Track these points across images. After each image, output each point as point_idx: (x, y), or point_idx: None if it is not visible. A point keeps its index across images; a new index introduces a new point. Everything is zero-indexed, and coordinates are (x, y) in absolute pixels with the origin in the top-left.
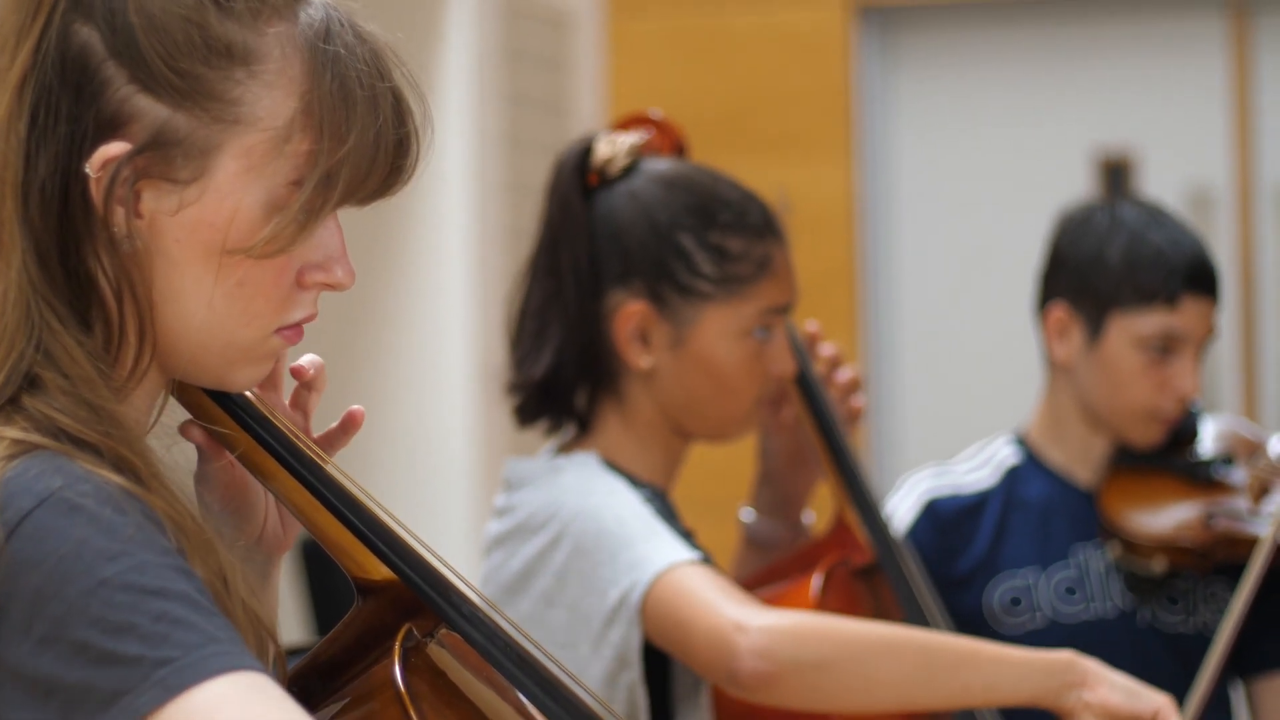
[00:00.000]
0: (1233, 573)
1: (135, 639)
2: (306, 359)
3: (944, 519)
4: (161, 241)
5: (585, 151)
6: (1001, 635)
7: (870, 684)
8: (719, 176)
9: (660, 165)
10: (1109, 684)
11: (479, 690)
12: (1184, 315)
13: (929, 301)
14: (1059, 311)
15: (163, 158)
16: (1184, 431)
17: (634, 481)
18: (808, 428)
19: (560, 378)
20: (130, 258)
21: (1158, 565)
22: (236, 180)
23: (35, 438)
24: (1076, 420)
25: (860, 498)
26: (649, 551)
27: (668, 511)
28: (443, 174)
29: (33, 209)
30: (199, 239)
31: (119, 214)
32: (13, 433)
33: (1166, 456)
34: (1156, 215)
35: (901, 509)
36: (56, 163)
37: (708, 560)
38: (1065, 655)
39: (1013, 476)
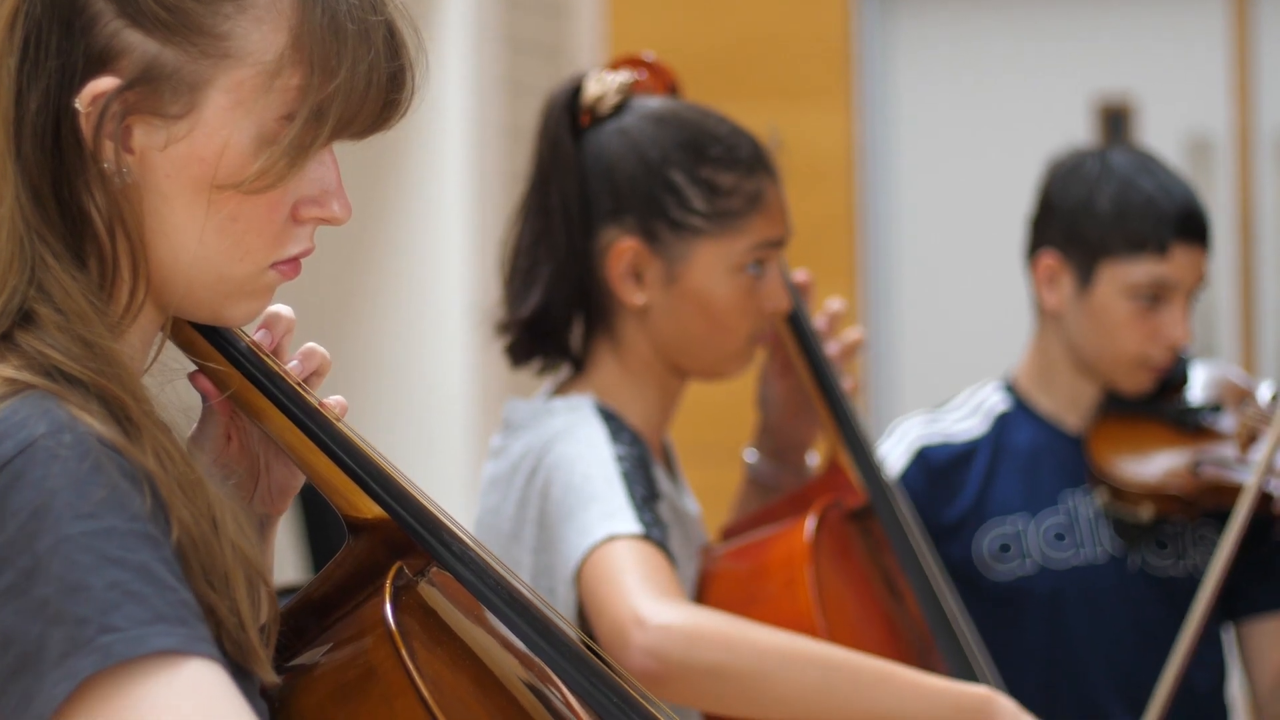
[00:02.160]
0: (1223, 517)
1: (87, 601)
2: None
3: (934, 467)
4: (152, 177)
5: (575, 90)
6: (991, 582)
7: (762, 695)
8: (709, 112)
9: (651, 103)
10: None
11: (469, 629)
12: (1174, 264)
13: (927, 249)
14: (1049, 259)
15: (152, 93)
16: (1173, 378)
17: (621, 429)
18: (800, 369)
19: (550, 316)
20: (121, 193)
21: (1145, 512)
22: (226, 115)
23: (27, 376)
24: (1065, 367)
25: (853, 440)
26: (596, 519)
27: (643, 466)
28: (441, 118)
29: (25, 144)
30: (189, 174)
31: (108, 149)
32: (6, 371)
33: (1155, 403)
34: (1146, 162)
35: (893, 456)
36: (47, 98)
37: (652, 533)
38: (982, 693)
39: (1002, 423)
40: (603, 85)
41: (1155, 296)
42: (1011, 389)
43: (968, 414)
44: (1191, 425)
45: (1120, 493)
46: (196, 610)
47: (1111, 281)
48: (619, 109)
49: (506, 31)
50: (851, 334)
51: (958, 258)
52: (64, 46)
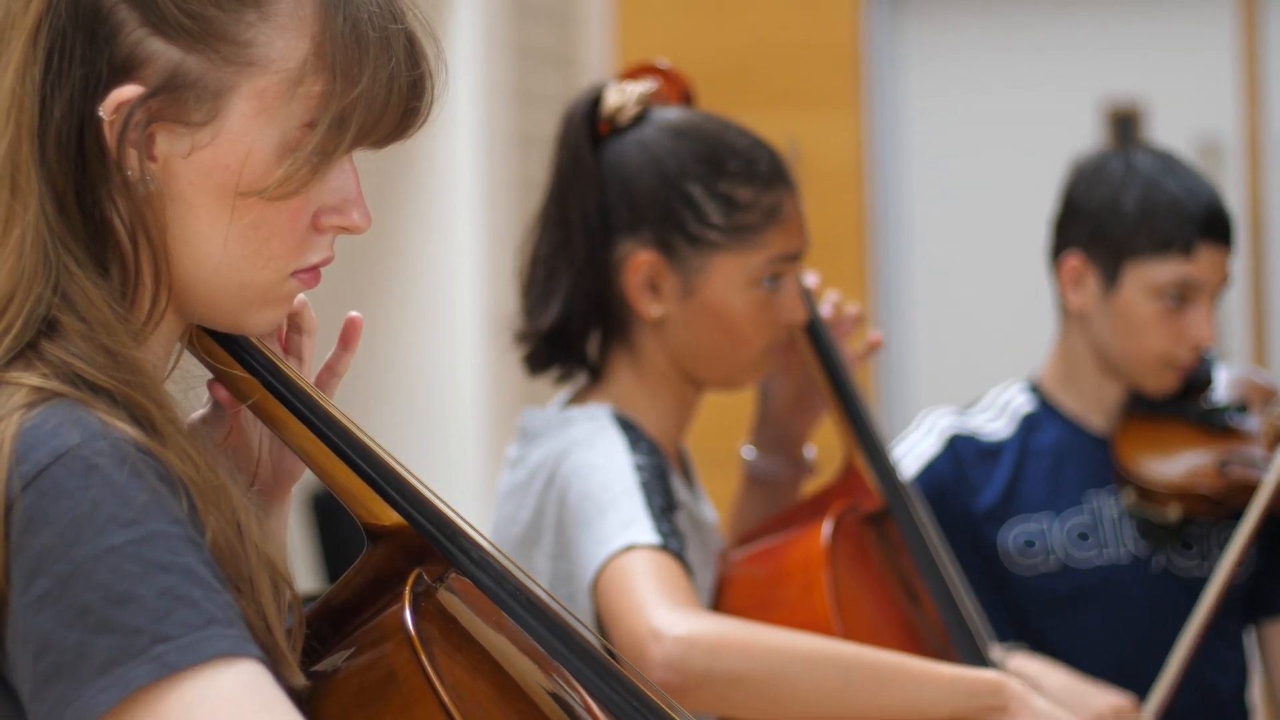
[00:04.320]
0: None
1: (138, 611)
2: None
3: (964, 456)
4: (175, 185)
5: (595, 101)
6: (1015, 576)
7: (782, 699)
8: (728, 125)
9: (670, 114)
10: (1032, 712)
11: (489, 635)
12: (1199, 264)
13: (938, 253)
14: (1074, 260)
15: (176, 100)
16: (1198, 379)
17: (639, 438)
18: (817, 375)
19: (569, 326)
20: (145, 201)
21: (1172, 513)
22: (249, 122)
23: (55, 385)
24: (1090, 368)
25: (869, 444)
26: (614, 528)
27: (661, 476)
28: (452, 127)
29: (49, 153)
30: (213, 181)
31: (132, 157)
32: (33, 380)
33: (1181, 404)
34: (1171, 163)
35: (924, 443)
36: (71, 106)
37: (670, 543)
38: (994, 678)
39: (1028, 425)
40: (622, 96)
41: (1181, 296)
42: (1036, 389)
43: (995, 415)
44: (1218, 425)
45: (1147, 493)
46: (239, 611)
47: (1137, 282)
48: (638, 119)
49: (516, 40)
50: (871, 335)
51: (969, 261)
52: (88, 55)
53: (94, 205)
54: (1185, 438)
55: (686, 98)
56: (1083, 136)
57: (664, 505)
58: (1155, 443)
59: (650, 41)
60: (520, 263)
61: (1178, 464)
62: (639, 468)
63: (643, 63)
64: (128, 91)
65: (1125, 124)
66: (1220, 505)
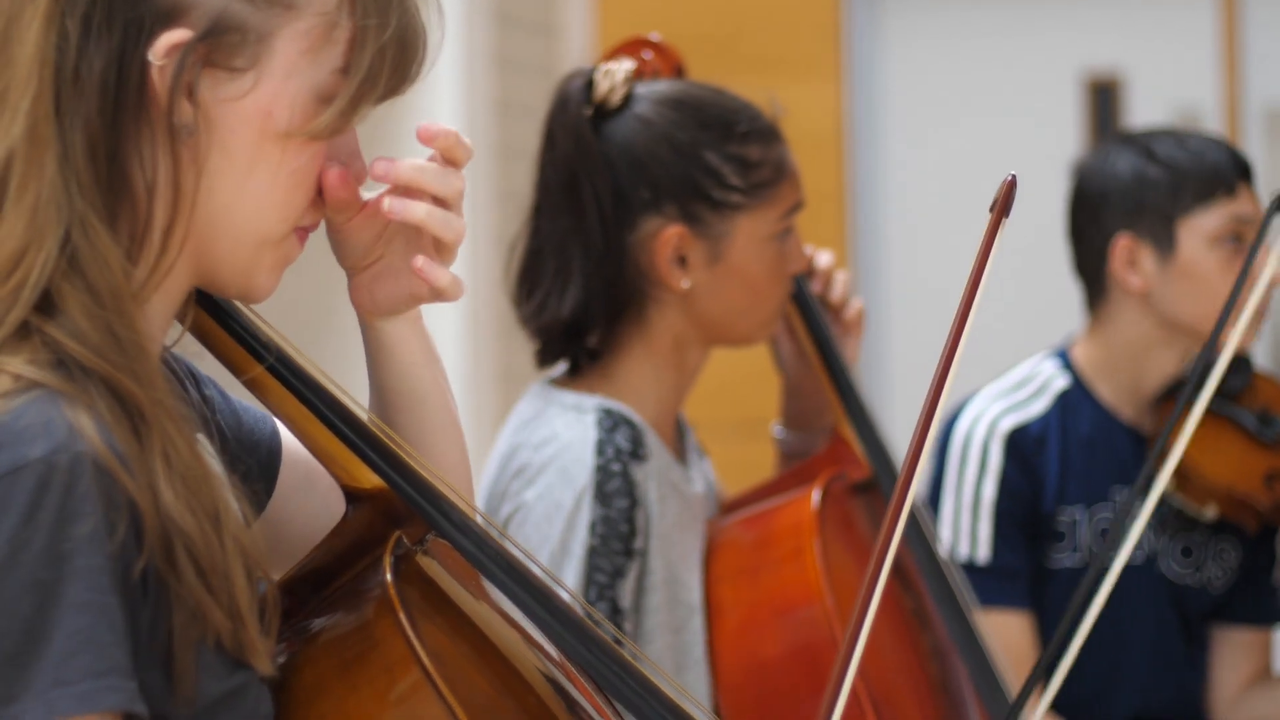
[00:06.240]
0: (1256, 536)
1: (45, 649)
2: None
3: (1026, 451)
4: (216, 131)
5: (588, 85)
6: (1044, 568)
7: None
8: (719, 90)
9: (659, 88)
10: None
11: (468, 598)
12: (1243, 200)
13: (917, 223)
14: (1123, 241)
15: (221, 45)
16: (1238, 383)
17: (610, 471)
18: (806, 346)
19: (589, 312)
20: (187, 148)
21: (1210, 511)
22: (291, 66)
23: (36, 374)
24: (1136, 355)
25: (856, 413)
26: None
27: (624, 519)
28: (432, 93)
29: (88, 106)
30: (255, 126)
31: (184, 104)
32: (16, 366)
33: (1232, 407)
34: (1172, 130)
35: (992, 454)
36: (112, 56)
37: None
38: None
39: (1063, 403)
40: (611, 79)
41: (1237, 237)
42: (1069, 366)
43: (1032, 393)
44: (1269, 438)
45: (1188, 483)
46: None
47: (1193, 236)
48: (627, 98)
49: (497, 9)
50: (854, 305)
51: (947, 231)
52: (129, 4)
53: (117, 157)
54: (1237, 442)
55: (679, 70)
56: (1061, 105)
57: (612, 570)
58: (1204, 436)
59: (631, 10)
60: (518, 259)
61: (1226, 464)
62: (593, 526)
63: (635, 37)
64: (178, 35)
65: (1104, 94)
66: (1258, 517)
